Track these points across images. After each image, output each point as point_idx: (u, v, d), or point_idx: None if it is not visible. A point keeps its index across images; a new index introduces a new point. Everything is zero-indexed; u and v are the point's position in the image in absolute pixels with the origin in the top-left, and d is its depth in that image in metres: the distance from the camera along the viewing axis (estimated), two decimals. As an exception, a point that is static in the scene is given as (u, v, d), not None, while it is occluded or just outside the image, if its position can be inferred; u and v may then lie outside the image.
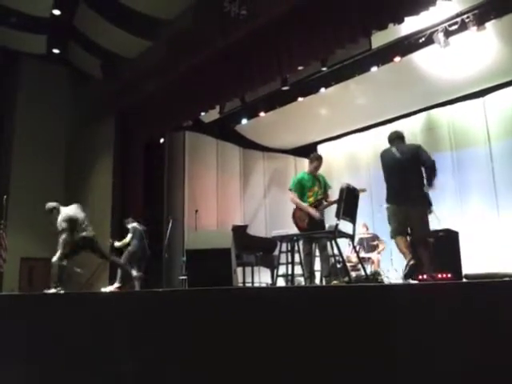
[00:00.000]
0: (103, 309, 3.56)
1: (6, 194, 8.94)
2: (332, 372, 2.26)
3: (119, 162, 9.68)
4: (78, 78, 10.95)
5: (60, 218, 5.97)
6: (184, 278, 7.25)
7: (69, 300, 4.15)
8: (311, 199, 4.97)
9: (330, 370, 2.27)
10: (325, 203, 4.99)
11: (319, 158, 5.28)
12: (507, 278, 2.83)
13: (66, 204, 9.60)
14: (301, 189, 5.03)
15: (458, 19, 6.66)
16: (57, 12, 8.82)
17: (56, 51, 10.18)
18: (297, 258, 5.12)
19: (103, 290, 6.85)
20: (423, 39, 7.08)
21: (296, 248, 5.10)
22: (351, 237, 4.74)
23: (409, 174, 4.14)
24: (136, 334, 3.17)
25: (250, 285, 6.94)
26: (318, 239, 4.93)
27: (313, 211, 4.82)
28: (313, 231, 4.78)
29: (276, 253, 6.04)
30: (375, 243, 7.95)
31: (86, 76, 10.55)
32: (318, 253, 5.26)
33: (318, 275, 5.45)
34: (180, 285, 7.70)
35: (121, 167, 9.65)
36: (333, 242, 4.73)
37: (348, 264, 6.09)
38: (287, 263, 5.19)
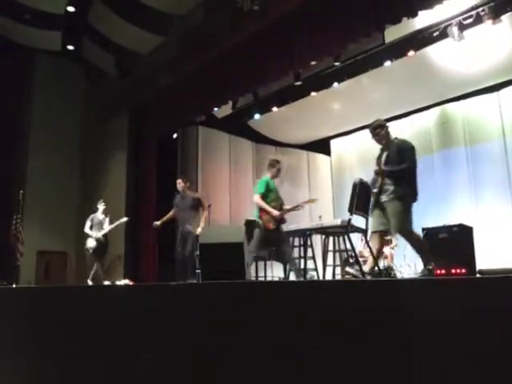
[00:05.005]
0: (117, 301, 3.61)
1: (23, 188, 9.08)
2: (339, 369, 2.27)
3: (133, 158, 9.78)
4: (92, 75, 11.04)
5: None
6: (198, 271, 7.32)
7: (82, 293, 4.20)
8: (274, 203, 5.27)
9: (338, 366, 2.28)
10: (286, 208, 5.39)
11: (279, 162, 5.65)
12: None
13: (82, 199, 9.84)
14: (266, 192, 5.33)
15: (473, 12, 6.59)
16: (71, 9, 8.89)
17: (71, 48, 10.27)
18: (309, 253, 5.17)
19: (117, 282, 6.96)
20: (437, 33, 7.02)
21: (308, 242, 5.15)
22: (364, 231, 4.75)
23: None
24: (149, 327, 3.21)
25: (262, 279, 6.98)
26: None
27: (276, 212, 5.19)
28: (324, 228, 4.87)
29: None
30: (388, 238, 7.92)
31: (100, 73, 10.63)
32: (330, 247, 5.32)
33: (330, 269, 5.49)
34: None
35: (134, 163, 9.75)
36: (345, 237, 4.76)
37: (360, 259, 6.10)
38: (300, 257, 5.24)
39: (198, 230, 6.42)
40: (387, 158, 4.42)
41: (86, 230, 7.96)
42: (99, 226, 8.00)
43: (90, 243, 7.87)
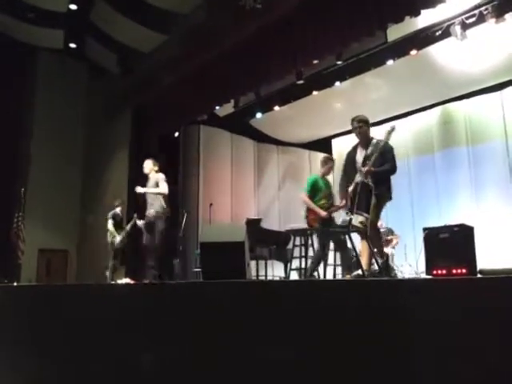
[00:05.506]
0: (117, 300, 3.61)
1: (25, 187, 9.09)
2: (339, 368, 2.26)
3: (135, 157, 9.76)
4: (95, 73, 11.05)
5: None
6: (198, 270, 7.32)
7: (83, 291, 4.20)
8: (323, 201, 5.14)
9: (338, 365, 2.27)
10: (334, 207, 5.24)
11: (332, 160, 5.53)
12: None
13: (83, 198, 9.75)
14: (314, 191, 5.24)
15: (476, 11, 6.54)
16: (73, 7, 8.88)
17: (73, 46, 10.27)
18: (310, 252, 5.16)
19: (119, 281, 6.95)
20: (440, 32, 6.98)
21: (310, 242, 5.14)
22: (365, 231, 4.74)
23: None
24: (150, 326, 3.20)
25: (263, 278, 6.97)
26: (334, 235, 5.08)
27: (324, 213, 5.07)
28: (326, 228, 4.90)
29: (290, 246, 6.07)
30: (389, 238, 7.90)
31: (103, 71, 10.63)
32: (331, 247, 5.31)
33: (330, 269, 5.47)
34: (194, 277, 7.77)
35: (136, 161, 9.73)
36: (346, 237, 4.76)
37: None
38: (301, 257, 5.22)
39: (138, 188, 6.29)
40: (368, 157, 4.44)
41: (111, 227, 7.76)
42: (121, 224, 7.93)
43: (117, 241, 7.74)
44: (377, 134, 4.80)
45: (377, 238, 4.65)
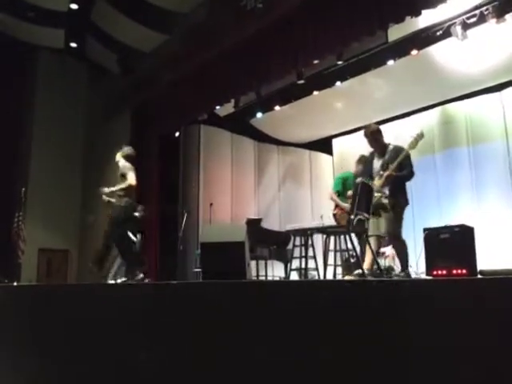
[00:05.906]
0: (118, 300, 3.60)
1: (25, 186, 9.09)
2: (339, 369, 2.25)
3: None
4: (95, 73, 11.05)
5: None
6: (198, 270, 7.32)
7: (84, 291, 4.20)
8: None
9: (337, 366, 2.26)
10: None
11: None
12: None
13: (83, 197, 9.72)
14: (344, 188, 5.24)
15: (477, 11, 6.55)
16: (74, 6, 8.89)
17: (73, 45, 10.28)
18: (310, 252, 5.16)
19: (118, 281, 6.94)
20: (441, 32, 6.98)
21: (310, 242, 5.14)
22: (366, 231, 4.74)
23: None
24: (150, 326, 3.20)
25: (263, 278, 6.97)
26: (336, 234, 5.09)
27: (346, 205, 5.05)
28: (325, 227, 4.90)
29: (290, 247, 6.07)
30: (389, 238, 7.88)
31: (103, 71, 10.64)
32: (332, 247, 5.30)
33: (331, 269, 5.46)
34: (194, 277, 7.77)
35: (136, 161, 9.72)
36: (347, 237, 4.76)
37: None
38: (301, 257, 5.22)
39: (105, 190, 5.79)
40: (387, 162, 4.44)
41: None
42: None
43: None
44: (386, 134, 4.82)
45: (402, 250, 4.63)
